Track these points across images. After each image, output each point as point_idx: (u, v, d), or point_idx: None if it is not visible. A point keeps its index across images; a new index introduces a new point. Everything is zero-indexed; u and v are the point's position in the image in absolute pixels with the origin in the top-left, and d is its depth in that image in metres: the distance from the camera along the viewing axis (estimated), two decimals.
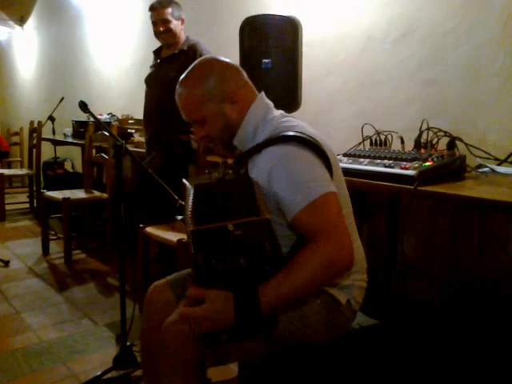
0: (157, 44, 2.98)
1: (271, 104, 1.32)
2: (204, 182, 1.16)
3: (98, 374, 1.91)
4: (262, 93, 1.33)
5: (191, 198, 1.08)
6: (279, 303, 1.05)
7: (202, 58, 1.34)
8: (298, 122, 1.25)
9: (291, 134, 1.16)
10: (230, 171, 1.18)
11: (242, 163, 1.25)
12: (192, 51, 2.75)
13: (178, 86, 1.29)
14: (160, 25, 2.76)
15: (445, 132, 1.84)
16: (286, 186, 1.12)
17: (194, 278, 1.07)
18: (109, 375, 1.92)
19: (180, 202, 1.69)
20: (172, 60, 2.79)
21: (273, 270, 1.04)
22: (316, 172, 1.13)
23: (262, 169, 1.16)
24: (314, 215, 1.08)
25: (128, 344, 1.99)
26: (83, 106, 1.94)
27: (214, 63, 1.29)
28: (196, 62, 1.31)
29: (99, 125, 2.06)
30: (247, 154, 1.24)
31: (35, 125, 4.92)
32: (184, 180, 1.18)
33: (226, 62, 1.30)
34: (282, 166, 1.13)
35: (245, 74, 1.32)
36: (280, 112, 1.32)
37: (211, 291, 1.03)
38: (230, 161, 1.28)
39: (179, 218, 1.46)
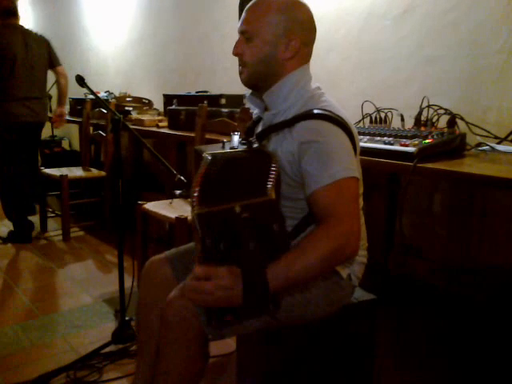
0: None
1: (311, 78, 1.30)
2: (217, 152, 1.14)
3: (97, 347, 1.93)
4: (309, 65, 1.31)
5: (202, 170, 1.06)
6: (288, 285, 1.05)
7: None
8: (330, 100, 1.23)
9: (327, 112, 1.15)
10: (244, 141, 1.15)
11: (267, 134, 1.23)
12: None
13: None
14: None
15: (445, 110, 1.83)
16: (315, 161, 1.11)
17: (201, 259, 1.04)
18: (107, 349, 1.94)
19: (178, 176, 1.68)
20: None
21: (280, 248, 1.03)
22: (345, 154, 1.13)
23: (293, 141, 1.15)
24: (333, 195, 1.08)
25: (127, 319, 2.01)
26: (80, 80, 1.91)
27: (306, 9, 1.28)
28: None
29: (97, 99, 2.03)
30: (278, 126, 1.21)
31: None
32: (197, 147, 1.16)
33: (312, 19, 1.30)
34: (315, 142, 1.12)
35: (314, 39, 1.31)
36: (316, 85, 1.29)
37: (219, 268, 1.02)
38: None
39: (178, 192, 1.45)
